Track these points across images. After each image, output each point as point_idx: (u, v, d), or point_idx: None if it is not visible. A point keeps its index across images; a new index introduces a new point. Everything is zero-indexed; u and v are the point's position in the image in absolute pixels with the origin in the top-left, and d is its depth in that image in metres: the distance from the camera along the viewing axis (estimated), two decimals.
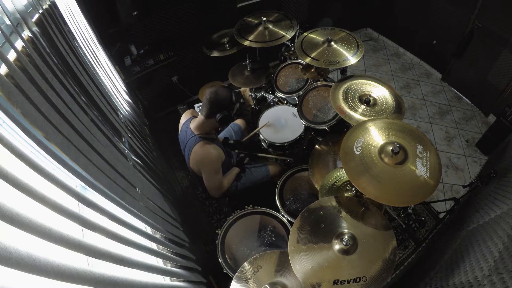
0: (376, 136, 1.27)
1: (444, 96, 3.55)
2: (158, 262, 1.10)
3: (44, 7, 1.07)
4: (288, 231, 1.54)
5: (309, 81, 2.20)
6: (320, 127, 1.90)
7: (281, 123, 2.13)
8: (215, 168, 1.68)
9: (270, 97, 2.42)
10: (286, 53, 2.46)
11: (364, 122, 1.35)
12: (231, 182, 1.86)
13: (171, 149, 3.05)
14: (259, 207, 1.65)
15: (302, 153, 2.15)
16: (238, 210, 1.65)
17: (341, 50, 1.86)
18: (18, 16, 0.83)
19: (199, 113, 1.70)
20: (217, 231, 1.57)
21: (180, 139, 1.81)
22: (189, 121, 1.74)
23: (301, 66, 2.25)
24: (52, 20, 1.07)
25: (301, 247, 1.15)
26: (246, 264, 1.27)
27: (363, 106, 1.61)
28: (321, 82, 2.08)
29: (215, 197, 1.80)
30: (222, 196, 1.86)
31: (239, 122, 2.24)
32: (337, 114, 1.76)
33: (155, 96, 3.25)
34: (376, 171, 1.15)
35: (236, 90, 2.62)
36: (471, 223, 1.48)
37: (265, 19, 2.31)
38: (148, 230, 1.06)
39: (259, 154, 2.06)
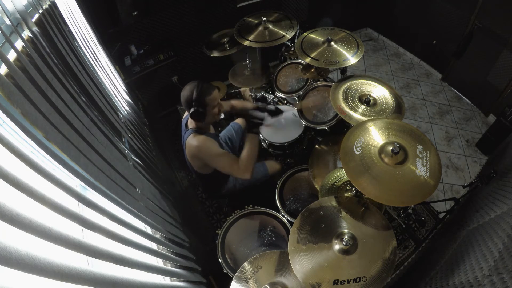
0: (376, 136, 1.27)
1: (444, 96, 3.55)
2: (158, 262, 1.10)
3: (44, 7, 1.07)
4: (288, 231, 1.54)
5: (309, 81, 2.20)
6: (320, 127, 1.90)
7: (281, 123, 2.13)
8: (216, 152, 1.61)
9: (270, 97, 2.42)
10: (286, 53, 2.46)
11: (364, 122, 1.35)
12: (251, 155, 1.65)
13: (171, 149, 3.05)
14: (259, 207, 1.65)
15: (302, 153, 2.15)
16: (238, 210, 1.65)
17: (341, 50, 1.86)
18: (18, 16, 0.83)
19: None
20: (217, 231, 1.57)
21: (181, 136, 1.82)
22: (187, 117, 1.75)
23: (301, 66, 2.25)
24: (52, 20, 1.07)
25: (301, 247, 1.15)
26: (246, 264, 1.27)
27: (363, 106, 1.61)
28: (321, 82, 2.08)
29: (249, 177, 1.62)
30: (250, 175, 1.65)
31: (239, 121, 2.24)
32: (337, 114, 1.76)
33: (155, 96, 3.25)
34: (376, 171, 1.15)
35: (236, 90, 2.62)
36: (471, 223, 1.48)
37: (265, 19, 2.31)
38: (148, 230, 1.06)
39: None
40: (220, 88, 2.69)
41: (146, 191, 1.12)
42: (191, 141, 1.62)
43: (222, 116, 2.27)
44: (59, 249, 0.51)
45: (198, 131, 1.66)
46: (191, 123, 1.69)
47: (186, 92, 1.58)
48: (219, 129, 2.26)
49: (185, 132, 1.71)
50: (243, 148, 1.71)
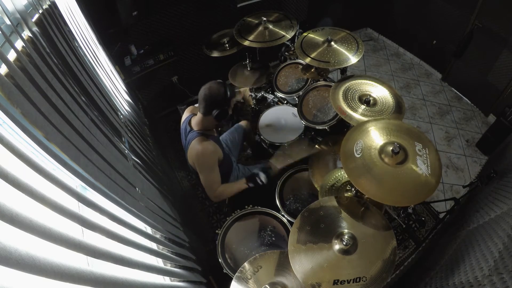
0: (375, 137, 1.27)
1: (444, 96, 3.55)
2: (158, 262, 1.10)
3: (44, 7, 1.07)
4: (288, 231, 1.54)
5: (309, 81, 2.20)
6: (320, 127, 1.90)
7: (281, 123, 2.13)
8: (210, 165, 1.65)
9: (270, 97, 2.42)
10: (286, 53, 2.46)
11: (361, 124, 1.35)
12: (230, 192, 1.76)
13: (171, 149, 3.05)
14: (259, 207, 1.65)
15: None
16: (238, 210, 1.64)
17: (342, 49, 1.86)
18: (18, 16, 0.83)
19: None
20: (217, 231, 1.57)
21: (181, 137, 1.82)
22: (189, 118, 1.75)
23: (301, 66, 2.25)
24: (52, 20, 1.07)
25: (301, 247, 1.15)
26: (246, 264, 1.27)
27: (363, 106, 1.61)
28: (321, 82, 2.08)
29: (211, 199, 1.74)
30: (218, 201, 1.77)
31: (243, 123, 2.24)
32: (337, 114, 1.75)
33: (155, 96, 3.25)
34: (377, 172, 1.15)
35: (236, 90, 2.62)
36: (471, 223, 1.48)
37: (265, 19, 2.31)
38: (148, 230, 1.06)
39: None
40: None
41: (146, 191, 1.12)
42: (196, 145, 1.62)
43: None
44: (59, 249, 0.51)
45: (204, 134, 1.66)
46: (196, 125, 1.68)
47: (214, 91, 1.59)
48: (219, 129, 2.26)
49: (188, 132, 1.70)
50: (232, 183, 1.79)
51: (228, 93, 1.62)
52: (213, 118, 1.62)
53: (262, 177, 1.74)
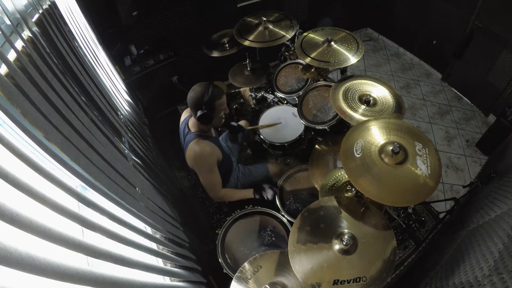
0: (375, 136, 1.27)
1: (444, 96, 3.55)
2: (158, 262, 1.10)
3: (44, 7, 1.07)
4: (288, 231, 1.54)
5: (309, 81, 2.20)
6: (320, 127, 1.90)
7: (281, 123, 2.13)
8: (208, 166, 1.65)
9: (270, 97, 2.42)
10: (286, 53, 2.46)
11: (361, 123, 1.34)
12: (234, 197, 1.78)
13: (171, 149, 3.05)
14: (259, 207, 1.65)
15: (302, 153, 2.14)
16: (238, 210, 1.65)
17: (341, 50, 1.86)
18: (18, 16, 0.83)
19: None
20: (217, 231, 1.57)
21: (180, 138, 1.82)
22: (188, 119, 1.74)
23: (301, 66, 2.25)
24: (52, 20, 1.07)
25: (301, 247, 1.15)
26: (246, 264, 1.27)
27: (363, 106, 1.61)
28: (321, 82, 2.08)
29: (213, 200, 1.76)
30: (219, 202, 1.79)
31: (242, 123, 2.24)
32: (337, 114, 1.75)
33: (155, 96, 3.25)
34: (376, 172, 1.15)
35: (236, 90, 2.62)
36: (471, 223, 1.48)
37: (265, 19, 2.31)
38: (148, 230, 1.06)
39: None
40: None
41: (146, 191, 1.12)
42: (194, 146, 1.62)
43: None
44: (59, 249, 0.51)
45: (202, 135, 1.66)
46: (194, 126, 1.68)
47: (195, 93, 1.56)
48: (219, 129, 2.26)
49: (186, 134, 1.70)
50: (238, 190, 1.82)
51: (209, 95, 1.54)
52: (196, 120, 1.58)
53: (269, 194, 1.73)
